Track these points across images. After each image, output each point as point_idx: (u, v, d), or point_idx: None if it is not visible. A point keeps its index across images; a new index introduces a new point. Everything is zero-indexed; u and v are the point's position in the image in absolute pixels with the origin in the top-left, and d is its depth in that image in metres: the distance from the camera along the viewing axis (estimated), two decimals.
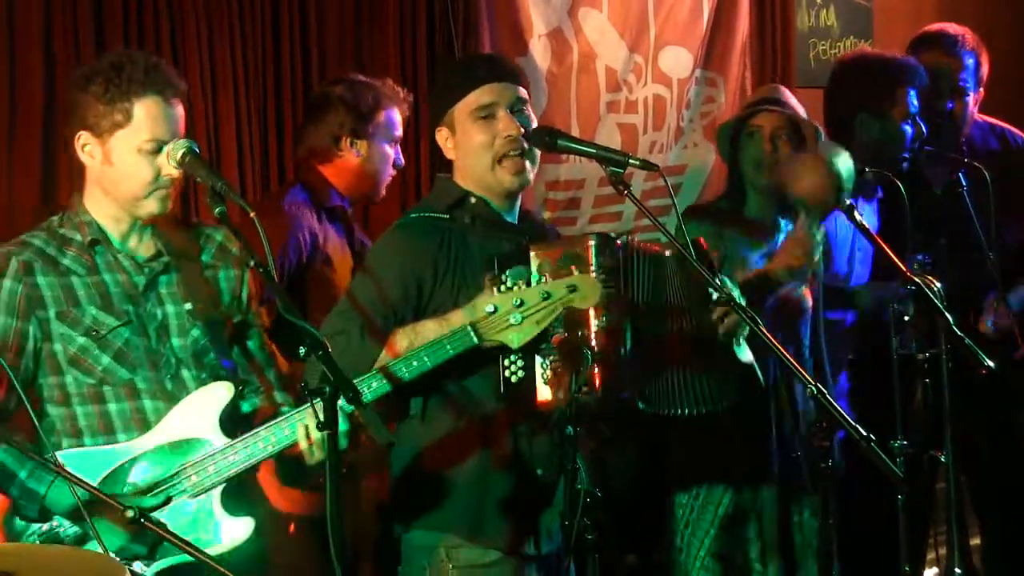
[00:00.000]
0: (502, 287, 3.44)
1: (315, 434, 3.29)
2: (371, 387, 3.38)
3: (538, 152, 3.70)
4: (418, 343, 3.45)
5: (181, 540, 2.96)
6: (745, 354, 3.78)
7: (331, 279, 4.42)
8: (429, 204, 3.74)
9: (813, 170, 4.22)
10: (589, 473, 3.47)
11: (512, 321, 3.38)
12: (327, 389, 2.99)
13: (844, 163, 4.25)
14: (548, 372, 3.52)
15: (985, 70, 5.19)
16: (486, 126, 3.64)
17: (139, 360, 3.40)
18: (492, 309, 3.37)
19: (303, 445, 3.32)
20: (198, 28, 4.91)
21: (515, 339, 3.39)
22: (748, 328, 3.63)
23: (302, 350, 3.05)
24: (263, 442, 3.35)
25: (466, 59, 3.91)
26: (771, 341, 3.43)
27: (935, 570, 5.05)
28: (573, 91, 5.79)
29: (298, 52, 5.15)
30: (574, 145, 3.74)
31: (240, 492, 3.41)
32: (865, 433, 3.32)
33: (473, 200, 3.67)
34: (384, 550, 3.77)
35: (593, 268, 3.56)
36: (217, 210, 3.15)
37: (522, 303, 3.36)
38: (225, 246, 3.58)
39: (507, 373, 3.53)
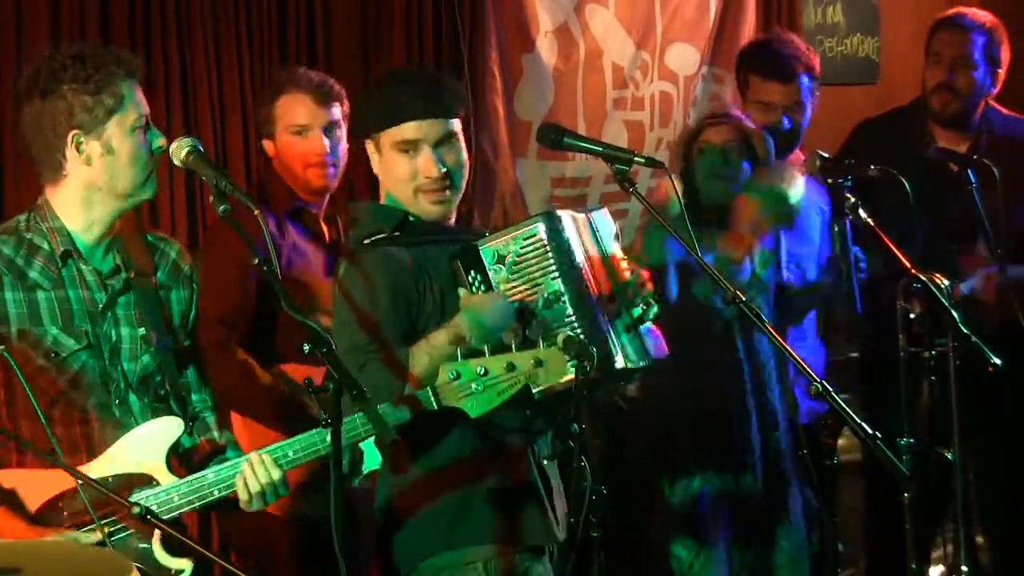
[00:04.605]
0: (475, 288, 3.45)
1: (254, 485, 3.28)
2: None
3: (463, 181, 3.62)
4: (435, 354, 3.41)
5: (186, 537, 2.96)
6: (618, 359, 3.55)
7: (302, 282, 4.22)
8: (376, 227, 3.60)
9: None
10: (595, 470, 3.46)
11: (474, 389, 3.31)
12: (330, 386, 2.99)
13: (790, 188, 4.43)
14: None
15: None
16: (409, 160, 3.57)
17: (93, 383, 3.35)
18: (455, 375, 3.31)
19: (242, 496, 3.30)
20: (204, 23, 4.93)
21: (472, 408, 3.33)
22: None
23: (306, 347, 3.04)
24: (210, 486, 3.31)
25: (400, 82, 3.70)
26: (777, 339, 3.42)
27: (941, 568, 5.04)
28: (580, 88, 5.79)
29: (304, 49, 5.15)
30: (580, 143, 3.72)
31: None
32: (871, 431, 3.32)
33: (412, 219, 3.60)
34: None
35: (550, 251, 3.49)
36: (221, 208, 3.11)
37: (486, 372, 3.30)
38: (178, 264, 3.51)
39: None
